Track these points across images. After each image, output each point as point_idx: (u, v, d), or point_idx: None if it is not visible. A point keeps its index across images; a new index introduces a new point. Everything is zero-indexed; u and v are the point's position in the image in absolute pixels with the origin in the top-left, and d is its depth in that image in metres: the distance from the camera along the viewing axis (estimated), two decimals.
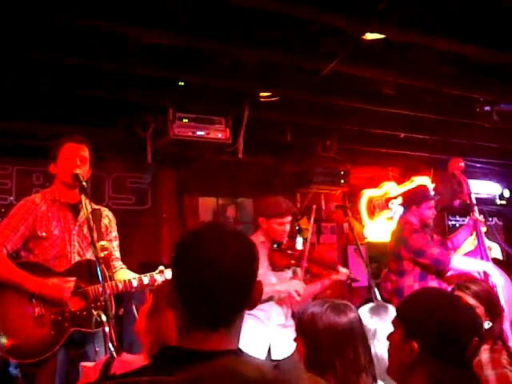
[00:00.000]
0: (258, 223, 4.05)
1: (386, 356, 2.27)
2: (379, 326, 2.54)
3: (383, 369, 2.07)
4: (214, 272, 1.32)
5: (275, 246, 4.10)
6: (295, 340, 2.26)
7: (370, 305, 2.81)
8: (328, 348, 2.14)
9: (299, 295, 3.85)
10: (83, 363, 2.64)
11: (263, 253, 3.88)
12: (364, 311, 2.61)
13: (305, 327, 2.23)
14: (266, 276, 3.84)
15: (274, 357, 3.81)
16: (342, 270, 4.39)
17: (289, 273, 4.20)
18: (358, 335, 2.24)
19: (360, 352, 2.20)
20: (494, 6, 3.64)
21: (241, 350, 1.39)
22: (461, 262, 4.61)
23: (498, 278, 4.56)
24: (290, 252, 4.20)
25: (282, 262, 4.12)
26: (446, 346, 1.78)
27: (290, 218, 4.13)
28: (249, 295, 1.38)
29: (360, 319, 2.30)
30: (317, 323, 2.19)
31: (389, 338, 1.96)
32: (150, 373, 1.31)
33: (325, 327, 2.17)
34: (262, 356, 3.71)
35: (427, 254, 4.54)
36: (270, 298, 3.84)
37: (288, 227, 4.15)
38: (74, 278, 3.25)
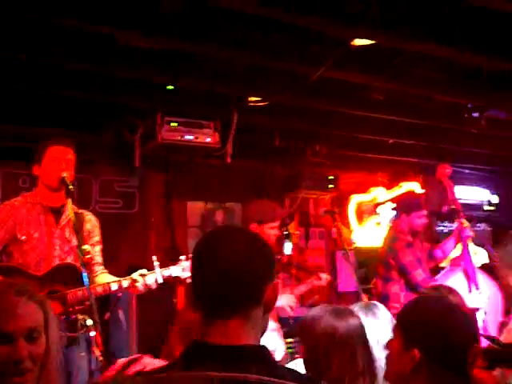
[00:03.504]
0: (250, 229, 4.05)
1: (377, 354, 2.28)
2: (373, 323, 2.56)
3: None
4: (218, 262, 1.42)
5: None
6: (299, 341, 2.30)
7: (361, 303, 2.84)
8: (325, 351, 2.17)
9: (292, 309, 3.92)
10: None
11: None
12: (356, 309, 2.63)
13: (304, 329, 2.27)
14: None
15: None
16: (323, 275, 4.48)
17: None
18: (356, 340, 2.26)
19: (358, 357, 2.22)
20: (484, 12, 3.65)
21: (263, 347, 1.43)
22: None
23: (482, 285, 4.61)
24: (278, 257, 4.22)
25: None
26: (447, 352, 1.80)
27: (278, 223, 4.14)
28: (259, 287, 1.44)
29: (361, 325, 2.32)
30: (315, 326, 2.23)
31: (388, 345, 1.96)
32: (178, 368, 1.37)
33: (323, 330, 2.21)
34: None
35: (411, 275, 4.60)
36: None
37: (277, 231, 4.17)
38: (46, 290, 3.23)
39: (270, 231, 4.03)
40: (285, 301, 4.01)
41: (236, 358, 1.35)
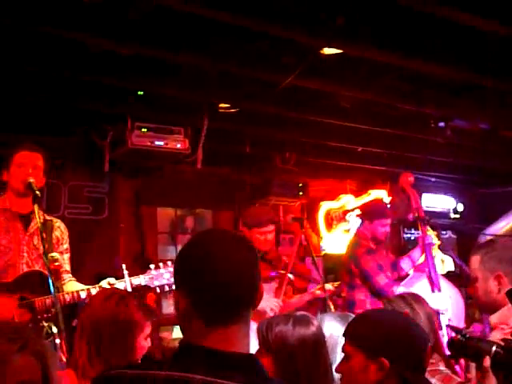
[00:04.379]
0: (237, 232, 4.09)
1: None
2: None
3: None
4: (219, 268, 1.42)
5: (260, 255, 4.11)
6: (259, 356, 2.26)
7: (336, 314, 2.85)
8: (303, 361, 2.18)
9: (274, 313, 3.88)
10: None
11: None
12: (331, 320, 2.65)
13: (274, 345, 2.23)
14: None
15: None
16: (328, 286, 4.41)
17: (272, 285, 4.21)
18: (324, 342, 2.31)
19: (327, 359, 2.28)
20: (448, 23, 3.74)
21: (253, 355, 1.47)
22: None
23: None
24: (274, 263, 4.22)
25: (266, 273, 4.14)
26: (412, 355, 1.93)
27: (271, 228, 4.15)
28: (254, 291, 1.46)
29: (321, 326, 2.35)
30: (289, 340, 2.21)
31: (342, 366, 2.01)
32: (166, 368, 1.38)
33: (297, 342, 2.20)
34: None
35: (373, 280, 4.61)
36: None
37: (270, 236, 4.17)
38: (16, 295, 3.21)
39: (259, 236, 4.07)
40: (267, 303, 3.98)
41: (224, 364, 1.37)
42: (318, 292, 4.42)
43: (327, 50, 4.13)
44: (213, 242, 1.48)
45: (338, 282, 4.84)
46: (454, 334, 1.94)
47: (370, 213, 4.99)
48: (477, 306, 4.52)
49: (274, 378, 1.49)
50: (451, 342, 1.92)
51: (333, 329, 2.54)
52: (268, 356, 2.22)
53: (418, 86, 5.06)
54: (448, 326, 4.10)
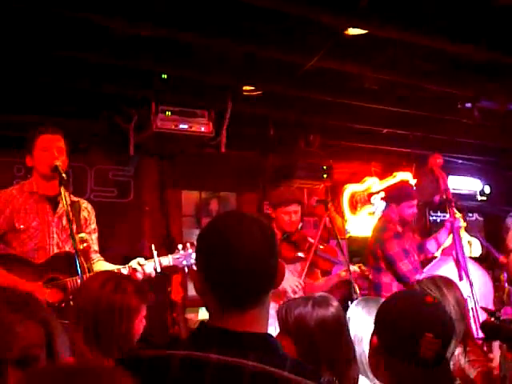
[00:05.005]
0: (269, 214, 4.10)
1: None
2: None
3: None
4: (237, 254, 1.40)
5: (284, 236, 4.09)
6: (280, 339, 2.27)
7: (364, 299, 2.84)
8: (324, 343, 2.16)
9: (295, 293, 3.83)
10: None
11: None
12: (359, 305, 2.66)
13: (294, 327, 2.22)
14: None
15: None
16: (353, 267, 4.36)
17: (297, 265, 4.18)
18: (345, 323, 2.29)
19: (349, 340, 2.25)
20: (477, 2, 3.68)
21: (270, 335, 1.46)
22: None
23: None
24: (298, 244, 4.18)
25: (290, 254, 4.11)
26: (397, 341, 1.81)
27: (296, 207, 4.11)
28: (273, 275, 1.45)
29: (342, 310, 2.32)
30: (308, 322, 2.19)
31: None
32: (184, 348, 1.39)
33: (317, 324, 2.18)
34: None
35: (397, 265, 4.57)
36: None
37: (295, 217, 4.12)
38: (47, 276, 3.25)
39: (284, 216, 4.05)
40: (288, 283, 3.93)
41: (237, 343, 1.37)
42: (344, 274, 4.37)
43: (352, 31, 4.09)
44: (229, 226, 1.46)
45: (359, 264, 4.78)
46: (486, 316, 1.88)
47: (396, 195, 4.94)
48: (508, 280, 4.48)
49: (290, 356, 1.47)
50: (485, 325, 1.86)
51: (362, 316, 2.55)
52: (288, 338, 2.21)
53: (445, 66, 4.99)
54: (482, 308, 4.06)
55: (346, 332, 2.25)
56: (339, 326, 2.23)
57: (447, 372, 1.85)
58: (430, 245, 4.97)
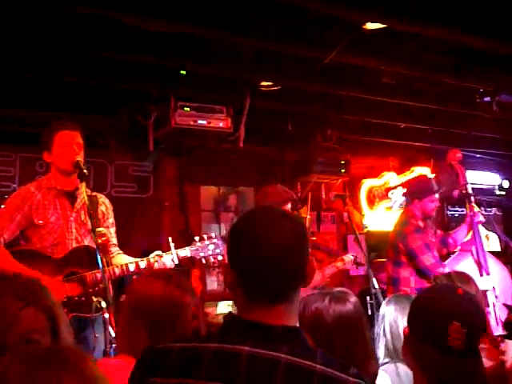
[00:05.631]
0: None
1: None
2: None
3: None
4: (266, 247, 1.41)
5: None
6: None
7: (395, 296, 2.86)
8: (341, 339, 2.15)
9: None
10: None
11: None
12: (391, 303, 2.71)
13: (312, 323, 2.21)
14: None
15: None
16: (347, 258, 4.42)
17: None
18: (363, 318, 2.28)
19: (367, 336, 2.25)
20: None
21: (298, 328, 1.47)
22: None
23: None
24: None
25: None
26: (427, 329, 1.83)
27: (289, 206, 4.16)
28: (303, 271, 1.46)
29: (361, 306, 2.32)
30: (324, 317, 2.18)
31: None
32: (215, 341, 1.41)
33: (334, 320, 2.18)
34: None
35: (419, 259, 4.56)
36: None
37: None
38: (67, 271, 3.30)
39: None
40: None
41: (270, 336, 1.39)
42: (339, 264, 4.43)
43: (370, 25, 4.09)
44: (258, 220, 1.47)
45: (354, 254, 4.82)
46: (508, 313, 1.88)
47: (418, 190, 4.92)
48: None
49: (319, 349, 1.49)
50: (509, 322, 1.85)
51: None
52: (306, 333, 2.22)
53: (463, 60, 4.96)
54: (504, 304, 4.05)
55: (363, 328, 2.24)
56: (356, 322, 2.23)
57: (477, 365, 1.84)
58: (453, 239, 4.96)
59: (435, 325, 1.81)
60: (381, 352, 2.66)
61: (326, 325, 2.17)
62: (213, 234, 3.50)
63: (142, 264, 3.37)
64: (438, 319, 1.81)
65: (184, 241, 3.62)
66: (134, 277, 3.34)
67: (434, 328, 1.81)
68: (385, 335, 2.68)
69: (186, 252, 3.45)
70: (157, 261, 3.38)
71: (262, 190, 4.29)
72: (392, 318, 2.64)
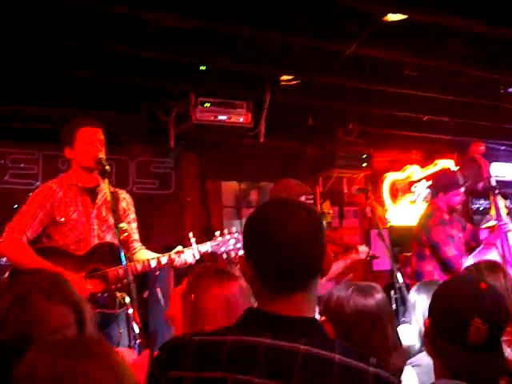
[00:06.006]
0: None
1: None
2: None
3: None
4: (282, 237, 1.41)
5: None
6: (323, 322, 2.24)
7: (423, 283, 2.84)
8: (357, 331, 2.14)
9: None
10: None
11: None
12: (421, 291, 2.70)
13: (332, 312, 2.23)
14: None
15: None
16: (361, 248, 4.44)
17: None
18: (385, 316, 2.24)
19: (388, 333, 2.21)
20: None
21: (316, 319, 1.47)
22: None
23: None
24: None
25: None
26: (448, 323, 1.81)
27: (303, 199, 4.13)
28: (319, 260, 1.46)
29: (386, 299, 2.30)
30: (344, 308, 2.18)
31: None
32: (233, 333, 1.41)
33: (352, 312, 2.17)
34: None
35: (442, 250, 4.55)
36: None
37: None
38: (89, 267, 3.31)
39: None
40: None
41: (289, 328, 1.39)
42: (354, 255, 4.45)
43: (391, 17, 4.04)
44: (273, 211, 1.48)
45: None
46: None
47: (443, 184, 4.89)
48: None
49: (338, 340, 1.48)
50: None
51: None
52: (328, 323, 2.21)
53: (486, 51, 4.89)
54: None
55: (385, 324, 2.21)
56: (378, 317, 2.20)
57: (498, 359, 1.82)
58: (483, 235, 4.92)
59: (456, 320, 1.78)
60: (415, 340, 2.64)
61: (345, 316, 2.17)
62: (233, 229, 3.49)
63: (164, 260, 3.37)
64: (459, 314, 1.78)
65: (205, 237, 3.60)
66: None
67: (455, 323, 1.78)
68: (418, 324, 2.65)
69: (206, 247, 3.45)
70: (176, 257, 3.38)
71: (276, 184, 4.27)
72: (425, 306, 2.61)
